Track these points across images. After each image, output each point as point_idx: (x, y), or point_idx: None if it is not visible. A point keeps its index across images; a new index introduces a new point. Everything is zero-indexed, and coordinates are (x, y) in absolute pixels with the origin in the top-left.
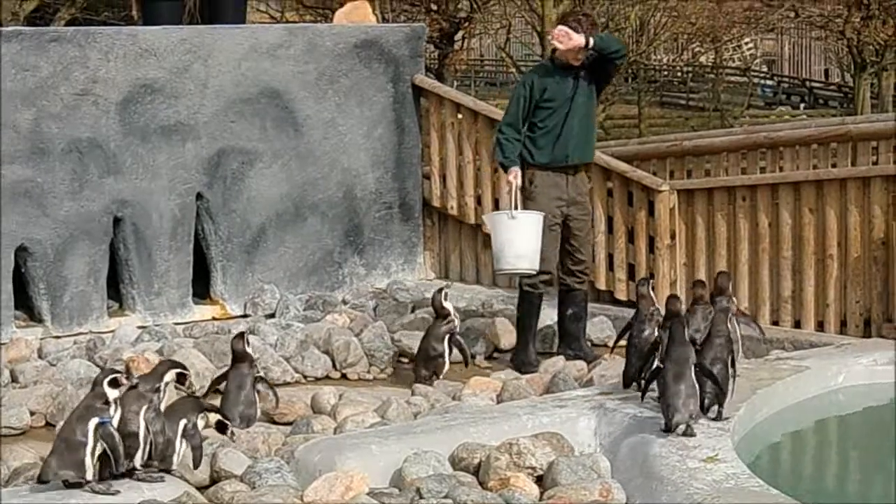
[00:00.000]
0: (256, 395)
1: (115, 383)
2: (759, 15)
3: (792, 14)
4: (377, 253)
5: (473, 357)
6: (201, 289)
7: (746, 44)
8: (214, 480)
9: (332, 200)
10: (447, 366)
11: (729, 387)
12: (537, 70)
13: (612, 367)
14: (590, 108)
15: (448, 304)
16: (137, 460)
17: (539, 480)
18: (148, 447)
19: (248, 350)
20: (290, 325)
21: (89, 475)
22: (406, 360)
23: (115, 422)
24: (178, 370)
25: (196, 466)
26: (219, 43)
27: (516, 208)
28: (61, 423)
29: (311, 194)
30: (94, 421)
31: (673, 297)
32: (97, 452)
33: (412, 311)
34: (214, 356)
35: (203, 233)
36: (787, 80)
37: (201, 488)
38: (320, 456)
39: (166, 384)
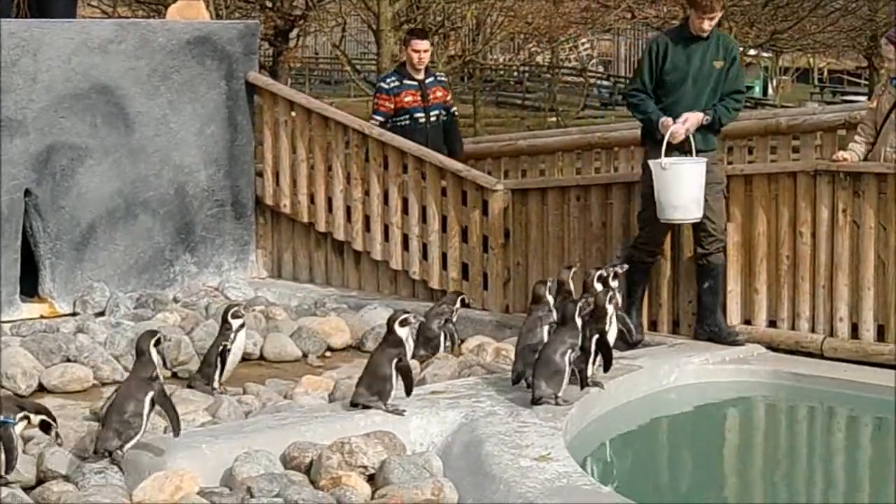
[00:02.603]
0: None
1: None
2: (595, 16)
3: (629, 15)
4: (209, 251)
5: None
6: (29, 287)
7: (583, 44)
8: (41, 481)
9: (163, 198)
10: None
11: (589, 359)
12: (668, 33)
13: (445, 365)
14: (708, 91)
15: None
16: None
17: (371, 479)
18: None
19: (231, 321)
20: (119, 323)
21: None
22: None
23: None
24: (43, 417)
25: (7, 471)
26: (48, 37)
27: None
28: None
29: (142, 191)
30: None
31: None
32: None
33: (244, 309)
34: (42, 354)
35: (31, 230)
36: (623, 80)
37: (27, 489)
38: (150, 455)
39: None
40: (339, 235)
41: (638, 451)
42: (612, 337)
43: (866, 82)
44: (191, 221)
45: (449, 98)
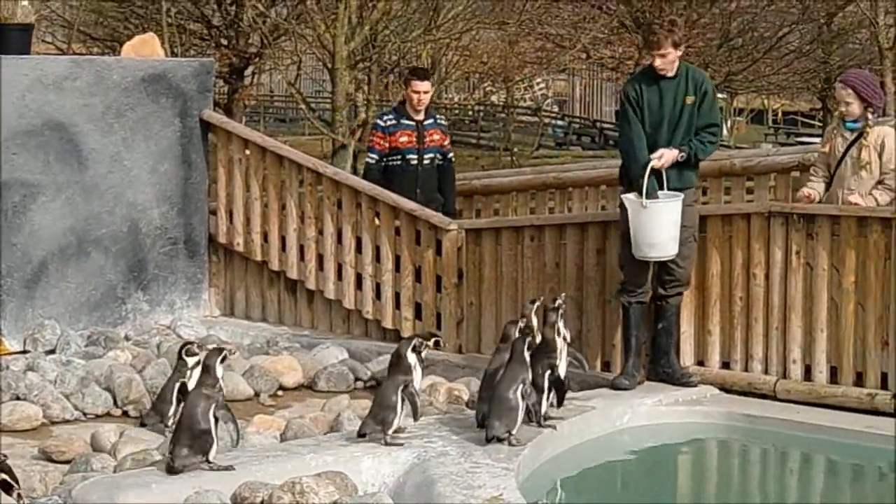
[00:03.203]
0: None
1: None
2: (550, 56)
3: (584, 55)
4: (161, 289)
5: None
6: None
7: (538, 84)
8: None
9: (116, 235)
10: None
11: (543, 396)
12: (639, 73)
13: None
14: (683, 128)
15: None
16: None
17: None
18: None
19: (186, 358)
20: (70, 361)
21: None
22: None
23: None
24: (5, 477)
25: None
26: (2, 73)
27: (649, 195)
28: None
29: (94, 229)
30: None
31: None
32: None
33: (198, 347)
34: None
35: None
36: (578, 120)
37: None
38: (98, 495)
39: None
40: (293, 274)
41: (590, 492)
42: (562, 371)
43: (820, 124)
44: (143, 259)
45: (447, 143)
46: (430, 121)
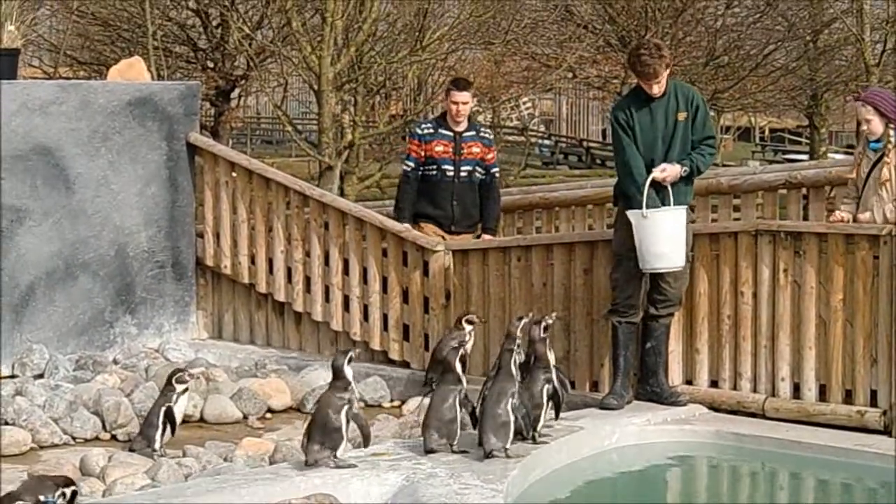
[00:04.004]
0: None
1: None
2: (536, 75)
3: (570, 75)
4: (149, 312)
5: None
6: None
7: (524, 103)
8: None
9: (103, 259)
10: None
11: (542, 411)
12: (627, 96)
13: (386, 427)
14: (677, 146)
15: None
16: None
17: None
18: None
19: (175, 384)
20: (59, 385)
21: None
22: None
23: None
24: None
25: None
26: None
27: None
28: None
29: (82, 252)
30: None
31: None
32: None
33: (188, 374)
34: None
35: None
36: (564, 140)
37: None
38: None
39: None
40: (280, 296)
41: None
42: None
43: (807, 141)
44: (131, 283)
45: (490, 156)
46: (472, 133)
